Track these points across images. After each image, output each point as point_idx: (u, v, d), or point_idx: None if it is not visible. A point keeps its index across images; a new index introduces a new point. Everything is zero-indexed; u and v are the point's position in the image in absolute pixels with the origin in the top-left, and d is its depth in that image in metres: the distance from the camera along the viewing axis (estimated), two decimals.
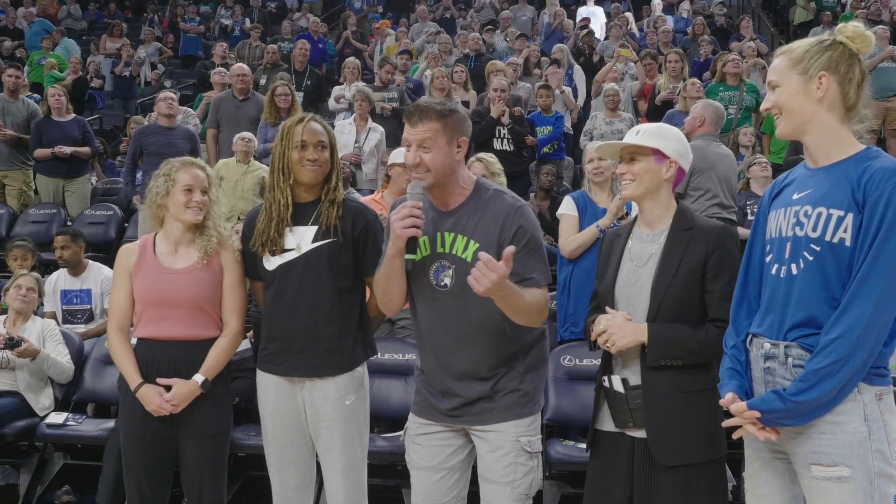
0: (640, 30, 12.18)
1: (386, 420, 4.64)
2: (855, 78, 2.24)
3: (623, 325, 2.55)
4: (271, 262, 3.08)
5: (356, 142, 7.55)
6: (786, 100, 2.25)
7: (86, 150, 7.95)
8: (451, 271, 2.67)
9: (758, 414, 2.20)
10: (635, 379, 2.61)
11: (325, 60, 12.17)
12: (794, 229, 2.24)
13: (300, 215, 3.08)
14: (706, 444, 2.56)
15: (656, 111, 7.76)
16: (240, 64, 8.34)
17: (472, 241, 2.64)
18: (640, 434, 2.61)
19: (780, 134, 2.32)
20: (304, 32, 12.35)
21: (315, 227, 3.04)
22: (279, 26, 13.76)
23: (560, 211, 4.68)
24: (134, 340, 3.24)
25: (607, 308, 2.65)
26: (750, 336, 2.35)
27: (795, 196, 2.26)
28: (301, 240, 3.05)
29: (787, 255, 2.24)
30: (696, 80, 7.40)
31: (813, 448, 2.17)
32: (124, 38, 13.54)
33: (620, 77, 9.35)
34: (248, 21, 14.71)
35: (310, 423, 3.10)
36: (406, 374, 4.53)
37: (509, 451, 2.69)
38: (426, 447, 2.80)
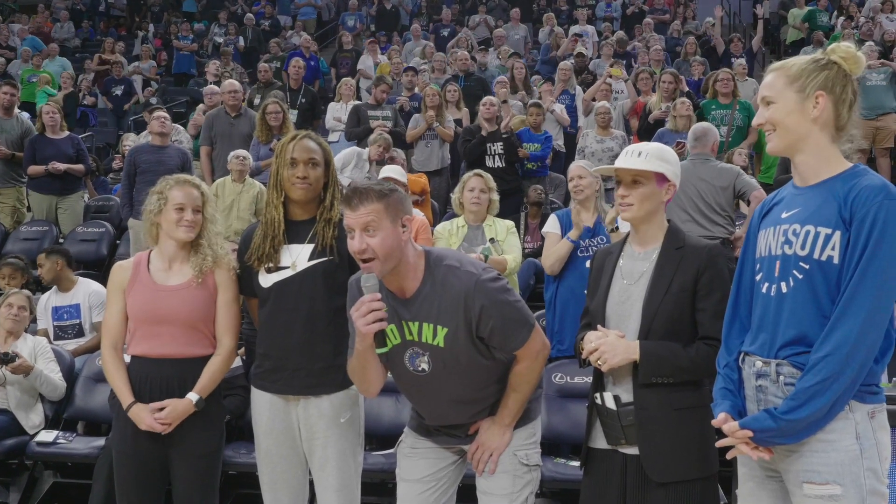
0: (633, 49, 12.24)
1: (378, 438, 4.63)
2: (848, 98, 2.26)
3: (615, 344, 2.55)
4: (267, 280, 3.08)
5: (368, 172, 7.49)
6: (782, 117, 2.25)
7: (79, 167, 7.96)
8: (426, 357, 2.63)
9: (750, 433, 2.20)
10: (627, 396, 2.61)
11: (317, 78, 12.20)
12: (783, 248, 2.25)
13: (296, 233, 3.08)
14: (698, 461, 2.56)
15: (648, 129, 7.80)
16: (231, 80, 8.34)
17: (439, 327, 2.57)
18: (632, 451, 2.61)
19: (772, 150, 2.32)
20: (295, 51, 12.38)
21: (311, 246, 3.05)
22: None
23: (544, 229, 4.77)
24: (128, 358, 3.24)
25: (599, 326, 2.65)
26: (742, 354, 2.36)
27: (784, 215, 2.28)
28: (297, 258, 3.06)
29: (776, 274, 2.25)
30: (685, 99, 7.45)
31: (805, 466, 2.17)
32: (117, 55, 13.59)
33: (614, 96, 9.40)
34: (241, 39, 14.78)
35: (304, 440, 3.10)
36: (398, 392, 4.52)
37: (506, 465, 2.73)
38: (418, 459, 2.83)
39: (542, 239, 5.34)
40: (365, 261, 2.50)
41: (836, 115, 2.25)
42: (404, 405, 4.42)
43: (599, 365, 2.57)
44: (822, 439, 2.15)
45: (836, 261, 2.14)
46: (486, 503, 2.78)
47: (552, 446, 4.44)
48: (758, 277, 2.33)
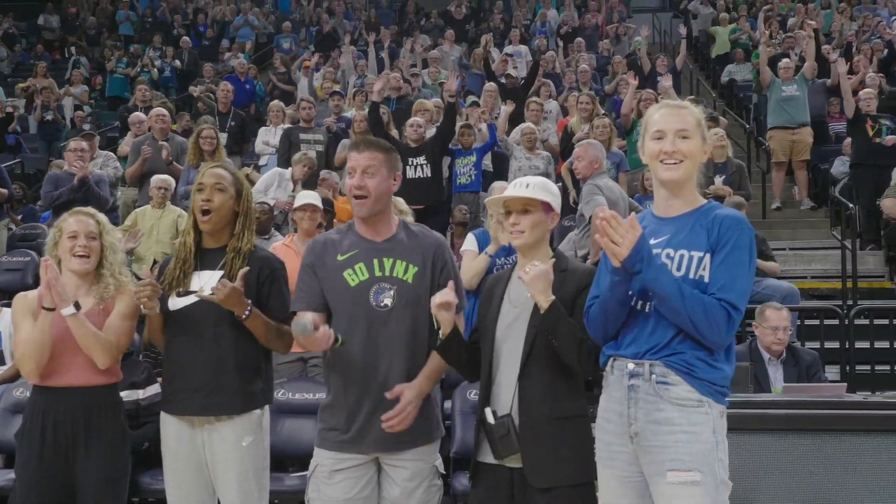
0: (562, 68, 12.46)
1: (299, 459, 4.68)
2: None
3: (546, 278, 2.67)
4: (175, 303, 3.16)
5: (292, 192, 7.49)
6: (695, 152, 2.57)
7: (2, 191, 7.89)
8: (391, 292, 2.89)
9: (639, 231, 2.37)
10: (504, 409, 2.78)
11: (253, 101, 12.23)
12: None
13: (209, 260, 3.18)
14: (577, 468, 2.73)
15: (571, 150, 8.00)
16: (158, 107, 8.35)
17: (410, 265, 2.92)
18: (516, 464, 2.76)
19: (674, 178, 2.56)
20: (230, 74, 12.41)
21: (221, 273, 3.13)
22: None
23: (462, 248, 4.94)
24: (28, 392, 3.26)
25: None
26: (611, 359, 2.58)
27: (652, 241, 2.52)
28: (206, 283, 3.13)
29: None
30: (605, 119, 7.68)
31: (671, 456, 2.41)
32: (50, 79, 13.45)
33: (544, 115, 9.58)
34: (178, 62, 14.75)
35: (209, 464, 3.16)
36: (317, 414, 4.58)
37: (426, 475, 2.92)
38: (340, 482, 2.91)
39: None
40: (358, 197, 2.88)
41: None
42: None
43: (523, 274, 2.69)
44: (688, 431, 2.41)
45: (706, 279, 2.44)
46: None
47: (468, 462, 4.53)
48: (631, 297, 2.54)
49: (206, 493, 3.20)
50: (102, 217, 3.36)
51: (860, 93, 8.85)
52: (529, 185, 2.86)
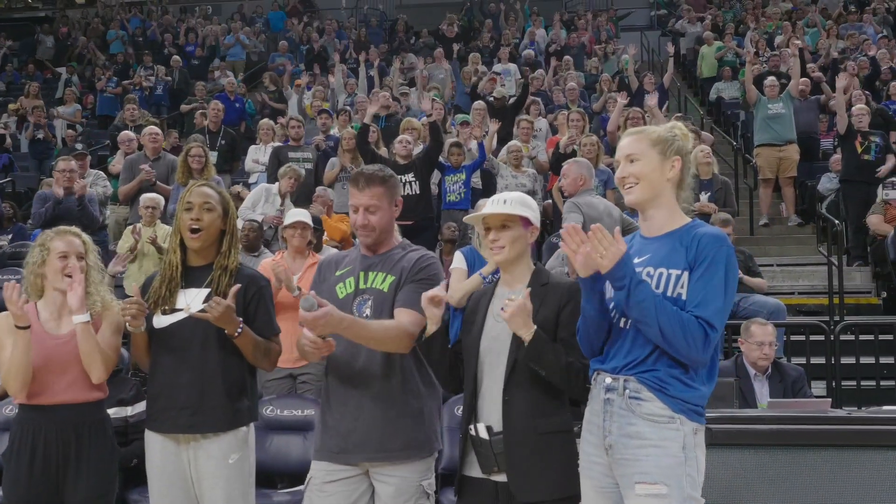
0: (549, 88, 12.52)
1: (287, 476, 4.69)
2: (689, 165, 2.66)
3: (524, 311, 2.70)
4: (161, 321, 3.18)
5: (280, 206, 7.51)
6: (647, 172, 2.60)
7: None
8: (370, 302, 2.97)
9: (624, 247, 2.43)
10: (499, 426, 2.79)
11: (244, 119, 12.26)
12: None
13: (194, 278, 3.20)
14: (563, 481, 2.76)
15: (559, 161, 8.06)
16: (150, 126, 8.39)
17: (388, 276, 2.99)
18: (504, 479, 2.78)
19: (633, 201, 2.65)
20: (221, 93, 12.45)
21: (207, 290, 3.16)
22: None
23: (451, 266, 4.94)
24: (16, 409, 3.27)
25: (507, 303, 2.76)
26: (595, 372, 2.65)
27: (636, 260, 2.58)
28: (192, 301, 3.16)
29: None
30: (592, 137, 7.75)
31: (639, 469, 2.47)
32: (40, 99, 13.47)
33: (534, 134, 9.65)
34: (169, 77, 14.79)
35: (194, 482, 3.17)
36: (305, 430, 4.61)
37: (412, 494, 2.92)
38: (332, 494, 2.94)
39: None
40: (363, 230, 2.99)
41: (681, 178, 2.64)
42: (311, 442, 4.50)
43: (502, 311, 2.71)
44: (657, 445, 2.47)
45: (684, 297, 2.49)
46: None
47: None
48: (612, 313, 2.60)
49: None
50: (87, 236, 3.42)
51: (853, 108, 8.91)
52: (507, 200, 2.91)
